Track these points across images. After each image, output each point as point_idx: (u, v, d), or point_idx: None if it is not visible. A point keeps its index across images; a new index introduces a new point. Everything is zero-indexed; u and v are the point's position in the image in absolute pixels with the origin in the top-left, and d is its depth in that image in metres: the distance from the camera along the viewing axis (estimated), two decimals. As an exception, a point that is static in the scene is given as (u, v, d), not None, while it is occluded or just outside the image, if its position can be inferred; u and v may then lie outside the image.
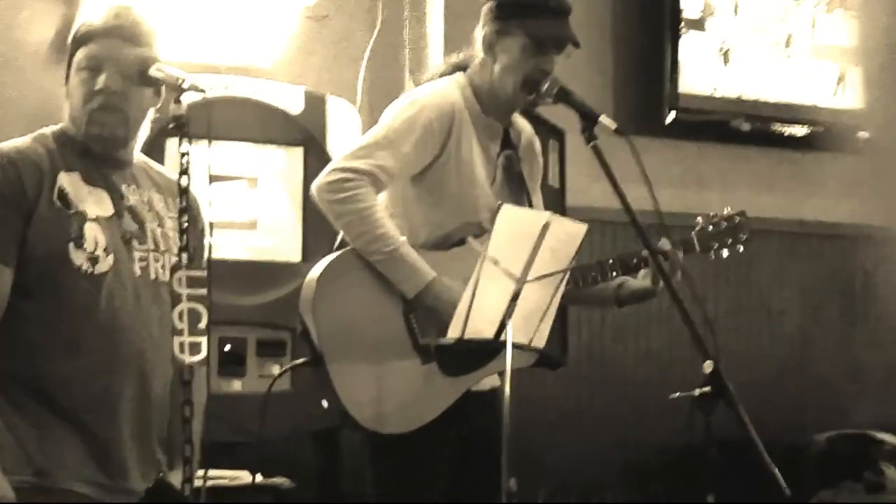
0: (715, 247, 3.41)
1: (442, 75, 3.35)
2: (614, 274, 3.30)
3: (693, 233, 3.39)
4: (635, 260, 3.28)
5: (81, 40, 2.74)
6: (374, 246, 3.09)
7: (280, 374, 3.39)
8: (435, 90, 3.27)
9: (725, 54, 5.69)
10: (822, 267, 5.97)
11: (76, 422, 2.63)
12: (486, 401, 3.23)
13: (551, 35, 3.22)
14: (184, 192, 2.45)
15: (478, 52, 3.30)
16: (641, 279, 3.31)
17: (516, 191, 3.37)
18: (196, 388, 2.42)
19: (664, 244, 3.19)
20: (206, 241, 2.88)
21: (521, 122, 3.44)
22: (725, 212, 3.45)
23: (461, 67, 3.35)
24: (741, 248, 3.44)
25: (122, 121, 2.71)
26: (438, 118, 3.19)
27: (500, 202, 2.88)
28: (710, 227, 3.41)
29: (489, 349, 3.04)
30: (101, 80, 2.69)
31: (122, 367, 2.67)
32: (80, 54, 2.73)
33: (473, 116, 3.26)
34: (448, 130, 3.20)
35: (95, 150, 2.75)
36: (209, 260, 2.69)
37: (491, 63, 3.26)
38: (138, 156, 2.86)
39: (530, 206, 3.36)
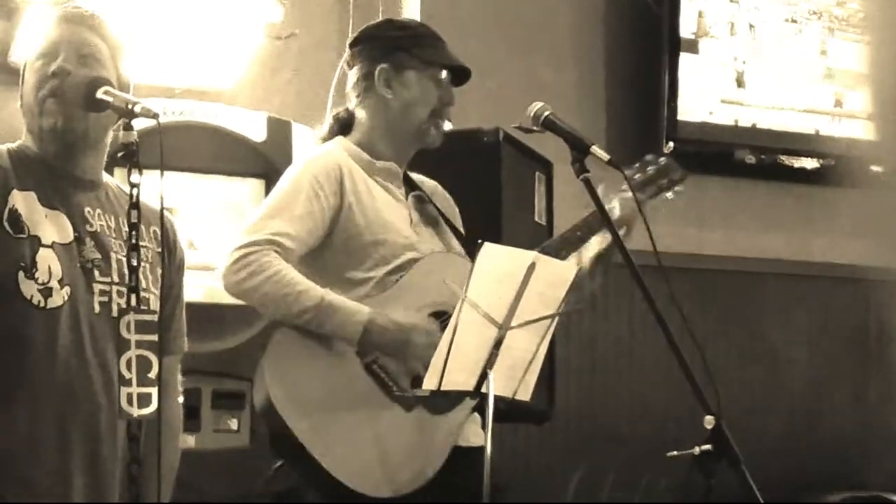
0: (652, 192, 3.57)
1: (323, 139, 3.47)
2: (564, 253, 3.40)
3: (624, 185, 3.43)
4: (579, 233, 3.44)
5: (34, 38, 2.71)
6: (298, 305, 3.13)
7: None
8: (317, 153, 3.38)
9: (740, 77, 5.73)
10: (834, 312, 5.99)
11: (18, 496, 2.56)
12: (474, 457, 3.22)
13: (440, 60, 3.38)
14: (133, 227, 2.44)
15: (360, 96, 3.41)
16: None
17: (441, 228, 3.45)
18: (165, 444, 2.39)
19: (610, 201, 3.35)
20: (182, 277, 2.86)
21: (422, 180, 3.52)
22: (648, 158, 3.62)
23: (341, 129, 3.46)
24: (680, 189, 3.64)
25: (81, 114, 2.64)
26: (323, 172, 3.28)
27: (480, 241, 2.87)
28: (639, 175, 3.56)
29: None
30: (55, 63, 2.64)
31: (72, 419, 2.60)
32: (34, 47, 2.70)
33: (365, 165, 3.36)
34: (339, 180, 3.29)
35: (64, 165, 2.68)
36: (163, 298, 2.68)
37: (386, 100, 3.36)
38: (107, 178, 2.80)
39: (461, 241, 3.43)
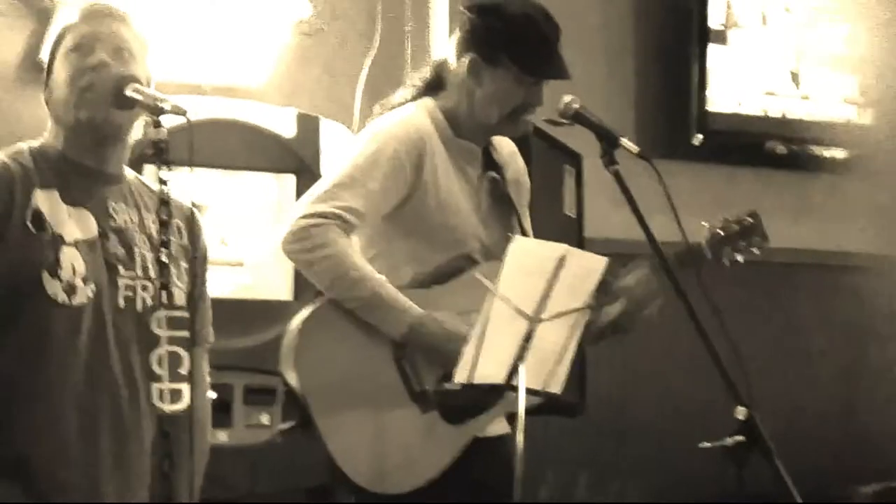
0: (728, 252, 3.39)
1: (407, 101, 3.34)
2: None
3: (703, 239, 3.36)
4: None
5: (65, 31, 2.72)
6: (350, 293, 3.09)
7: (267, 444, 3.35)
8: (399, 119, 3.25)
9: (769, 68, 5.70)
10: (867, 303, 5.96)
11: (45, 493, 2.57)
12: (492, 449, 3.21)
13: (544, 71, 3.23)
14: (164, 223, 2.44)
15: (454, 70, 3.28)
16: (616, 307, 3.28)
17: (506, 216, 3.36)
18: (197, 438, 2.39)
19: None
20: (205, 270, 2.86)
21: (501, 140, 3.41)
22: (735, 215, 3.43)
23: (429, 88, 3.34)
24: (757, 252, 3.42)
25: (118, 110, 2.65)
26: (405, 148, 3.17)
27: (510, 234, 2.87)
28: (721, 232, 3.39)
29: (495, 390, 3.03)
30: (94, 57, 2.65)
31: (97, 416, 2.61)
32: (67, 40, 2.70)
33: (446, 141, 3.26)
34: (419, 161, 3.19)
35: (90, 160, 2.69)
36: (193, 295, 2.68)
37: (472, 87, 3.25)
38: (127, 172, 2.80)
39: (522, 230, 3.35)
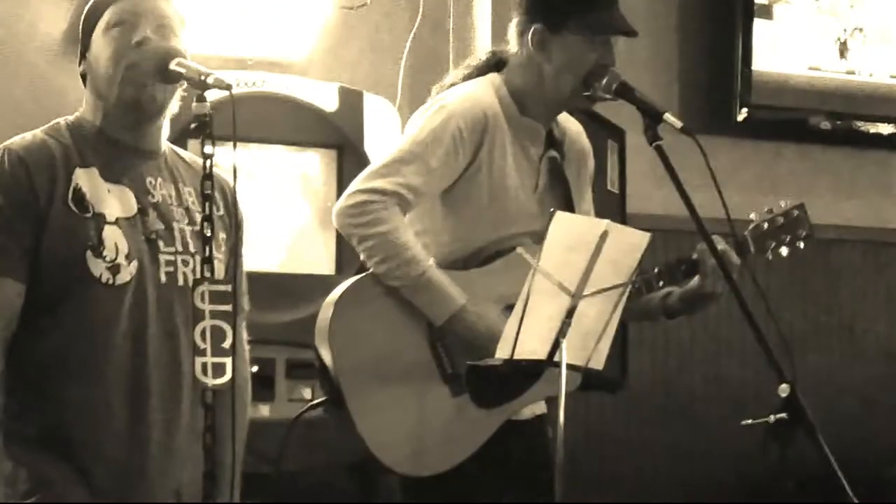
0: (772, 246, 3.35)
1: (472, 76, 3.31)
2: (661, 284, 3.26)
3: (746, 232, 3.33)
4: (684, 266, 3.24)
5: (103, 6, 2.70)
6: (399, 271, 3.07)
7: (296, 419, 3.35)
8: (465, 94, 3.22)
9: (814, 43, 5.66)
10: (912, 280, 5.93)
11: (86, 464, 2.59)
12: (530, 431, 3.21)
13: (611, 27, 3.19)
14: (207, 197, 2.44)
15: (517, 48, 3.25)
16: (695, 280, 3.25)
17: (561, 196, 3.33)
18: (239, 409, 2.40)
19: (720, 243, 3.15)
20: (243, 239, 2.84)
21: (567, 120, 3.40)
22: (782, 206, 3.40)
23: (495, 66, 3.31)
24: (802, 245, 3.39)
25: (161, 85, 2.64)
26: (469, 126, 3.15)
27: (552, 209, 2.85)
28: (766, 225, 3.35)
29: (527, 374, 3.02)
30: (139, 32, 2.63)
31: (143, 392, 2.63)
32: (108, 15, 2.68)
33: (510, 119, 3.22)
34: (480, 138, 3.16)
35: (128, 136, 2.69)
36: (234, 270, 2.69)
37: (541, 62, 3.20)
38: (166, 144, 2.80)
39: (573, 211, 3.31)
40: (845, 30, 5.73)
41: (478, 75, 3.30)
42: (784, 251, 3.38)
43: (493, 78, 3.27)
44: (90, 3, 2.76)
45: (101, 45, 2.69)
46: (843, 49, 5.71)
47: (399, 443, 3.07)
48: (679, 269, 3.25)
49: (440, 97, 3.25)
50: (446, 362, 3.13)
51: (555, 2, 3.19)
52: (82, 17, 2.76)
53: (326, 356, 3.09)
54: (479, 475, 3.13)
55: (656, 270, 3.24)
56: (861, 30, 5.75)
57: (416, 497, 3.18)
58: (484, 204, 3.20)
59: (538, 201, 3.27)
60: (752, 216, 3.36)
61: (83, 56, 2.75)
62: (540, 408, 3.27)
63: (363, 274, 3.16)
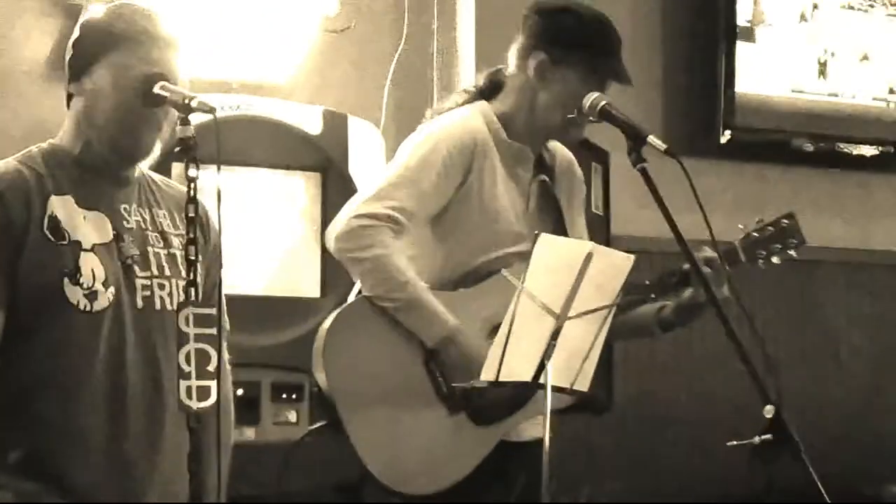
0: (762, 255, 3.36)
1: (463, 103, 3.36)
2: (652, 296, 3.29)
3: (736, 241, 3.35)
4: (675, 278, 3.26)
5: (108, 43, 2.66)
6: (392, 294, 3.12)
7: (298, 443, 3.37)
8: (453, 121, 3.28)
9: (796, 65, 5.68)
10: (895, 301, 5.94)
11: (70, 487, 2.57)
12: (527, 454, 3.21)
13: (611, 72, 3.25)
14: (191, 221, 2.44)
15: (515, 70, 3.31)
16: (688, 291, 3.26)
17: (554, 219, 3.36)
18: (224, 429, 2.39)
19: (706, 251, 3.16)
20: (220, 262, 2.81)
21: (559, 148, 3.44)
22: (772, 217, 3.41)
23: (490, 91, 3.35)
24: (794, 254, 3.40)
25: (156, 133, 2.65)
26: (457, 149, 3.20)
27: (537, 231, 2.86)
28: (756, 234, 3.37)
29: (524, 391, 3.03)
30: (151, 83, 2.58)
31: (127, 422, 2.62)
32: (122, 56, 2.63)
33: (498, 143, 3.27)
34: (469, 161, 3.21)
35: (105, 166, 2.67)
36: (219, 291, 2.68)
37: (537, 89, 3.26)
38: (139, 169, 2.78)
39: (565, 234, 3.34)
40: (825, 50, 5.76)
41: (475, 99, 3.35)
42: (775, 259, 3.38)
43: (482, 105, 3.33)
44: (97, 23, 2.71)
45: (107, 82, 2.65)
46: (822, 70, 5.73)
47: (395, 462, 3.11)
48: (670, 280, 3.27)
49: (428, 124, 3.30)
50: (441, 381, 3.16)
51: (562, 35, 3.25)
52: (83, 35, 2.73)
53: (322, 380, 3.12)
54: (479, 496, 3.16)
55: (647, 283, 3.26)
56: (833, 53, 5.77)
57: None
58: (474, 226, 3.23)
59: (528, 223, 3.29)
60: (741, 227, 3.37)
61: (76, 77, 2.70)
62: (537, 431, 3.28)
63: (356, 298, 3.20)
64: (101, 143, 2.67)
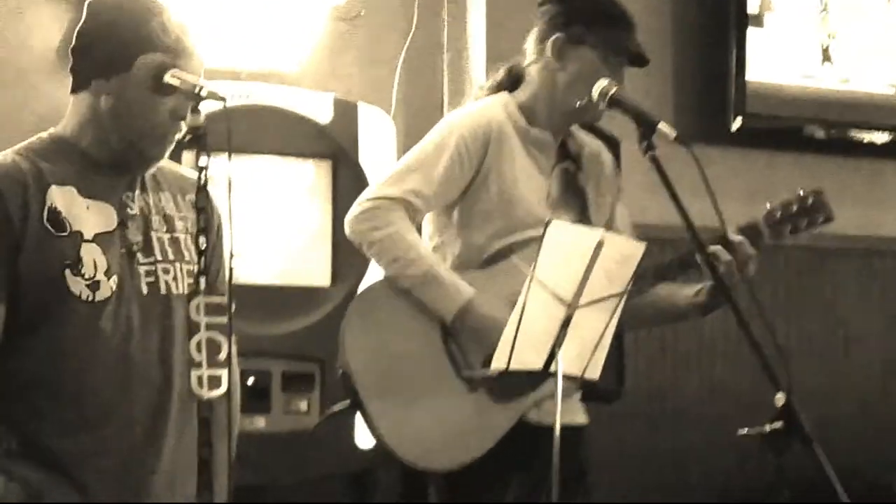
0: (788, 230, 3.35)
1: (485, 97, 3.44)
2: (673, 277, 3.32)
3: (760, 218, 3.35)
4: (678, 263, 3.28)
5: (140, 46, 2.62)
6: (407, 270, 3.19)
7: (320, 423, 3.41)
8: (471, 110, 3.38)
9: (807, 51, 5.66)
10: (907, 289, 5.93)
11: (78, 475, 2.58)
12: (569, 438, 3.21)
13: (627, 50, 3.30)
14: (201, 210, 2.44)
15: (534, 55, 3.36)
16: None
17: (576, 206, 3.40)
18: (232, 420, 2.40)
19: (732, 236, 3.18)
20: (225, 245, 2.80)
21: (583, 136, 3.49)
22: (799, 193, 3.39)
23: (510, 83, 3.42)
24: (819, 230, 3.39)
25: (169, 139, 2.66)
26: (472, 135, 3.28)
27: (548, 218, 2.86)
28: (779, 212, 3.36)
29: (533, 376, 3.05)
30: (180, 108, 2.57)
31: (134, 411, 2.62)
32: (166, 75, 2.57)
33: (518, 130, 3.33)
34: (484, 147, 3.28)
35: (115, 162, 2.66)
36: (230, 281, 2.68)
37: (556, 70, 3.32)
38: None
39: (588, 222, 3.36)
40: (835, 36, 5.73)
41: (495, 91, 3.42)
42: (803, 236, 3.37)
43: (502, 96, 3.40)
44: (134, 18, 2.65)
45: (142, 95, 2.61)
46: (826, 55, 5.70)
47: (416, 439, 3.18)
48: (693, 261, 3.22)
49: (449, 114, 3.46)
50: (460, 359, 3.22)
51: (579, 15, 3.32)
52: (111, 32, 2.67)
53: (344, 360, 3.20)
54: (505, 478, 3.23)
55: (668, 263, 3.28)
56: (845, 40, 5.74)
57: (442, 492, 3.31)
58: (493, 210, 3.29)
59: (551, 209, 3.33)
60: (767, 204, 3.36)
61: (103, 74, 2.65)
62: (574, 418, 3.33)
63: (375, 281, 3.30)
64: (121, 143, 2.66)
